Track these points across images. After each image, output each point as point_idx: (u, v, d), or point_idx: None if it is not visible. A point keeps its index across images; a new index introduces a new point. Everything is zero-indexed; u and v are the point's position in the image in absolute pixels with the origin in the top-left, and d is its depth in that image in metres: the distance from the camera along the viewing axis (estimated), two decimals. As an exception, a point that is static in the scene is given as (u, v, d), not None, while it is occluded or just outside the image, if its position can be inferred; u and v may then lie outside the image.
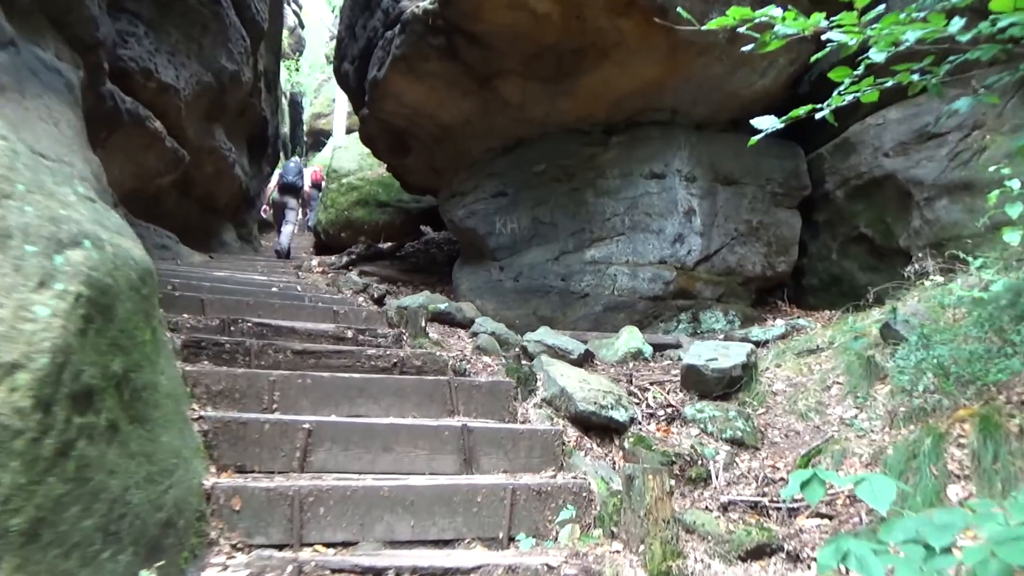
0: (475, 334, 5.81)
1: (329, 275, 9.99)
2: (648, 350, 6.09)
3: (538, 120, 7.83)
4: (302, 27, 34.83)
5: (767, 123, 3.08)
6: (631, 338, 6.13)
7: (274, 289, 6.63)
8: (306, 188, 14.84)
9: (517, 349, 5.56)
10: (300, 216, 14.81)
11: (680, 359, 5.94)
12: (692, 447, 3.49)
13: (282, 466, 2.88)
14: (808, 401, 3.80)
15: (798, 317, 7.42)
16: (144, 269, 2.37)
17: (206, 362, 3.65)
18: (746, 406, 4.07)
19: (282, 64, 32.27)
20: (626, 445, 3.61)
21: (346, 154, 15.72)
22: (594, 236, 7.52)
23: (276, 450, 2.89)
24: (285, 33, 29.78)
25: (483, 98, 7.82)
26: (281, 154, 29.66)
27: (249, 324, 4.84)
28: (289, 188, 13.49)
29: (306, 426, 2.97)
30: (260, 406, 3.27)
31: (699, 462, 3.34)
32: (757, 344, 6.42)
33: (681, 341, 6.66)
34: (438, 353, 4.58)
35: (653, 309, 7.29)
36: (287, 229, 13.58)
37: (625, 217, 7.45)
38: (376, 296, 7.21)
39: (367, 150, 11.90)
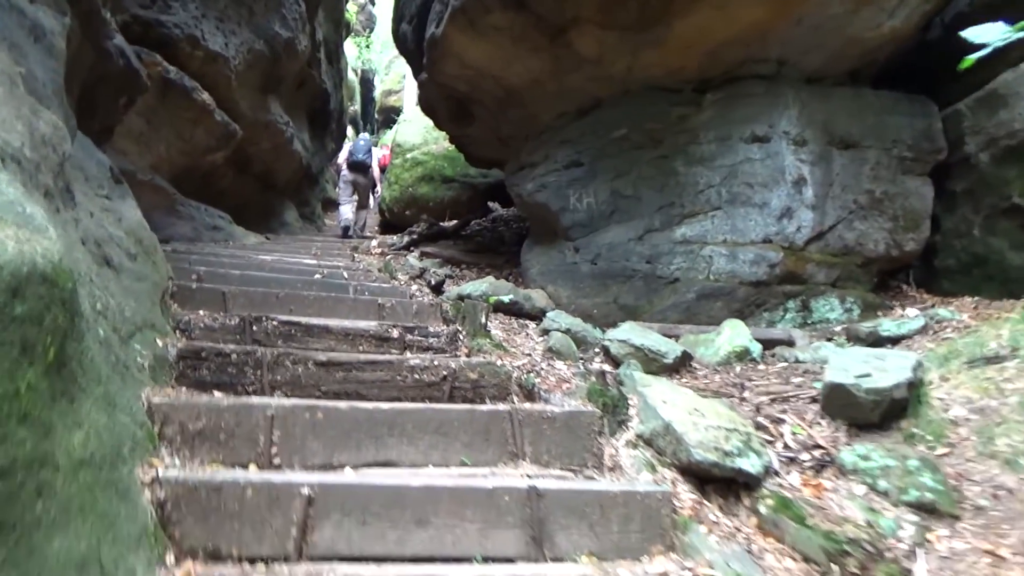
0: (546, 332, 4.85)
1: (388, 256, 9.20)
2: (756, 349, 5.02)
3: (618, 77, 6.76)
4: (372, 3, 34.27)
5: (995, 33, 1.96)
6: (735, 334, 5.07)
7: (317, 276, 5.82)
8: (374, 170, 14.18)
9: (598, 358, 4.60)
10: (369, 195, 14.49)
11: (797, 360, 4.86)
12: (867, 522, 2.44)
13: (272, 549, 2.01)
14: (1013, 440, 2.70)
15: (933, 305, 6.19)
16: (15, 275, 1.50)
17: (184, 390, 2.80)
18: (916, 441, 2.97)
19: (352, 41, 32.09)
20: (762, 510, 2.55)
21: (410, 127, 14.93)
22: (685, 211, 6.44)
23: (263, 525, 2.01)
24: (354, 9, 29.35)
25: (554, 54, 6.81)
26: (351, 130, 29.41)
27: (275, 323, 4.02)
28: (358, 166, 12.94)
29: (305, 491, 2.06)
30: (254, 450, 2.40)
31: (883, 550, 2.27)
32: (891, 341, 5.29)
33: (793, 336, 5.56)
34: (499, 362, 3.62)
35: (756, 296, 6.18)
36: (352, 208, 13.13)
37: (722, 189, 6.34)
38: (434, 283, 6.34)
39: (431, 122, 11.04)
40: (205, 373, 3.10)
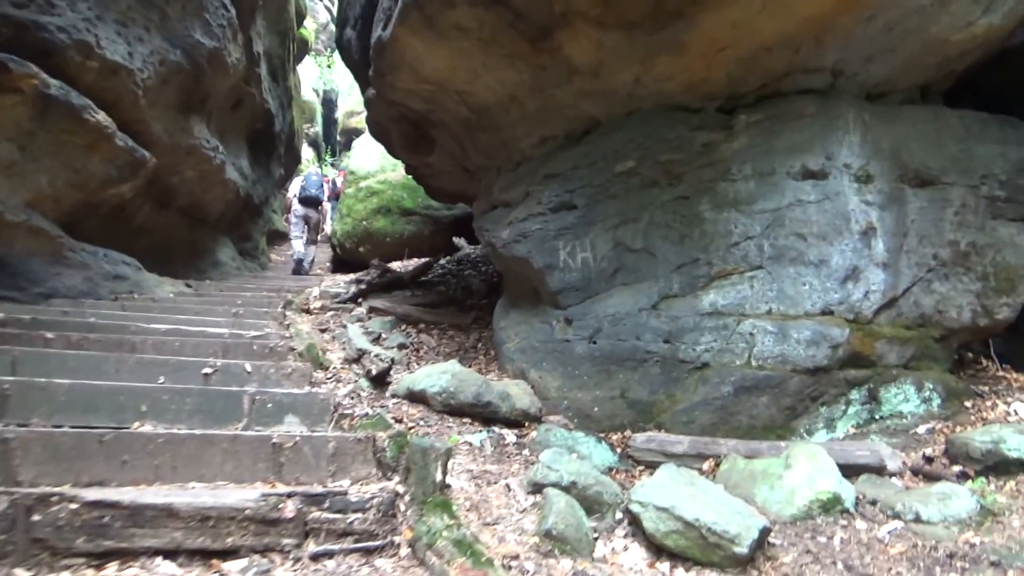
0: (538, 488, 3.06)
1: (328, 313, 7.44)
2: (849, 494, 3.36)
3: (622, 93, 5.14)
4: (334, 22, 32.69)
5: None
6: (815, 468, 3.40)
7: (207, 371, 4.05)
8: (324, 201, 13.51)
9: (623, 534, 2.88)
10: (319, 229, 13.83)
11: (917, 518, 3.20)
12: None
13: None
14: None
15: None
16: None
17: None
18: None
19: (313, 60, 30.56)
20: None
21: (365, 152, 13.28)
22: (714, 271, 4.79)
23: None
24: (314, 27, 27.71)
25: (537, 63, 5.18)
26: (311, 153, 27.74)
27: (77, 506, 2.30)
28: (310, 201, 12.74)
29: None
30: None
31: None
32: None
33: (883, 456, 3.90)
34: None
35: (812, 388, 4.54)
36: (303, 243, 12.85)
37: (764, 241, 4.71)
38: (375, 372, 4.58)
39: (387, 147, 9.39)
40: None
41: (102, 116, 7.10)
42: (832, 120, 4.81)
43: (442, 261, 10.05)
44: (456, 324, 7.11)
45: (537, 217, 5.39)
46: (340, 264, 13.42)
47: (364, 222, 12.25)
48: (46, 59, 6.40)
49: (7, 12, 6.13)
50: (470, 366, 5.63)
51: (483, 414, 4.36)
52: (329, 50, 32.82)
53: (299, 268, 12.77)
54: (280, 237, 16.29)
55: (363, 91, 7.46)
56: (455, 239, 11.49)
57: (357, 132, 28.95)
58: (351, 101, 32.21)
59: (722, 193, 4.85)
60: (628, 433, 4.52)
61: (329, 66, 32.65)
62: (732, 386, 4.51)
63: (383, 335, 6.57)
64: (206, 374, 4.06)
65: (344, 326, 6.84)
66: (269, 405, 3.61)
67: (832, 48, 4.67)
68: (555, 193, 5.36)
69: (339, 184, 15.41)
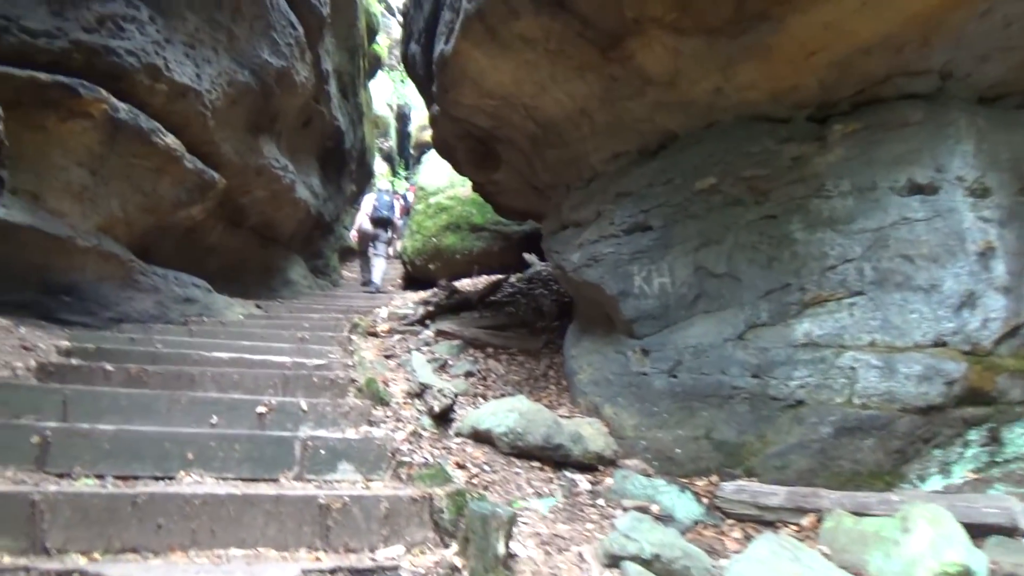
0: (615, 561, 2.70)
1: (396, 336, 7.24)
2: (980, 567, 2.88)
3: (700, 104, 4.74)
4: (406, 36, 32.97)
5: None
6: (939, 536, 2.92)
7: (260, 410, 3.85)
8: (396, 219, 13.50)
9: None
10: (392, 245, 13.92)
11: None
12: None
13: None
14: None
15: None
16: None
17: None
18: None
19: (387, 75, 30.97)
20: None
21: (434, 167, 13.08)
22: (808, 297, 4.33)
23: None
24: (387, 43, 28.01)
25: (608, 73, 4.85)
26: (387, 168, 28.04)
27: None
28: (382, 222, 12.68)
29: None
30: None
31: None
32: None
33: (1015, 514, 3.38)
34: None
35: (924, 428, 4.02)
36: (376, 264, 12.71)
37: (865, 264, 4.23)
38: (438, 409, 4.30)
39: (455, 163, 9.18)
40: None
41: (171, 139, 7.11)
42: (941, 128, 4.29)
43: (512, 279, 9.76)
44: (526, 349, 6.79)
45: (610, 239, 5.03)
46: (411, 281, 13.30)
47: (434, 239, 12.09)
48: (115, 83, 6.42)
49: (78, 37, 6.16)
50: (540, 398, 5.30)
51: (553, 457, 4.02)
52: (402, 65, 33.17)
53: (369, 287, 12.71)
54: (352, 253, 16.32)
55: (428, 107, 7.25)
56: (525, 255, 11.19)
57: (430, 145, 29.12)
58: (423, 115, 32.47)
59: (815, 211, 4.38)
60: (714, 479, 4.11)
61: (403, 81, 33.03)
62: (831, 427, 4.04)
63: (449, 361, 6.31)
64: (260, 413, 3.86)
65: (410, 351, 6.61)
66: (322, 451, 3.37)
67: (941, 48, 4.16)
68: (629, 213, 4.98)
69: (410, 199, 15.33)
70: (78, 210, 6.54)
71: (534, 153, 6.13)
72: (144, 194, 7.22)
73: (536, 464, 3.97)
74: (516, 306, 8.33)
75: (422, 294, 10.41)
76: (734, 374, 4.32)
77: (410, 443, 3.65)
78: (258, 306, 9.07)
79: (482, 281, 10.61)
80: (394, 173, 28.60)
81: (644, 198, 4.93)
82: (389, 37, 28.25)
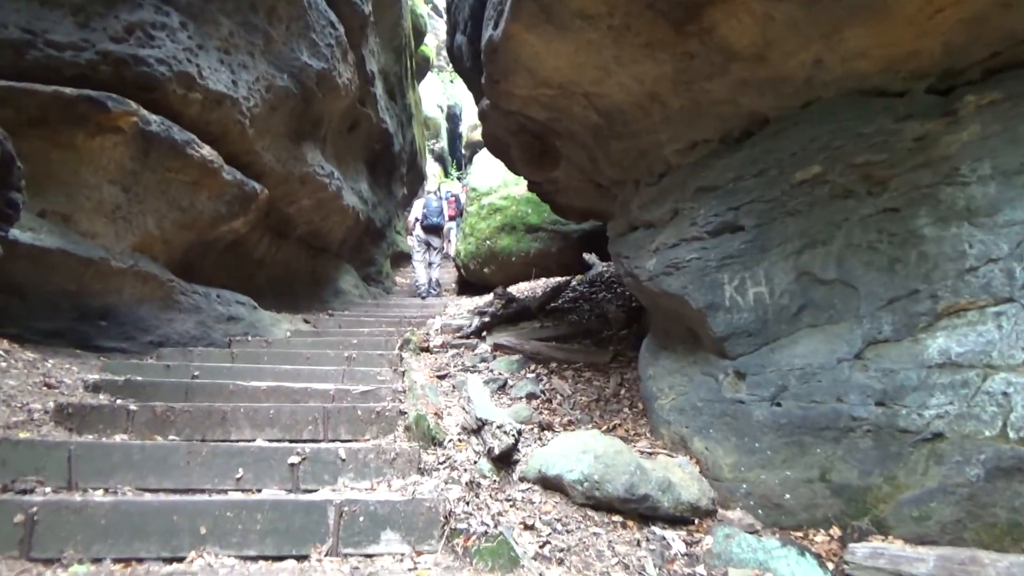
0: None
1: (449, 352, 6.66)
2: None
3: (796, 79, 4.00)
4: (454, 35, 32.68)
5: None
6: None
7: (293, 460, 3.30)
8: (446, 223, 13.35)
9: None
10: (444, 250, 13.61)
11: None
12: None
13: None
14: None
15: None
16: None
17: None
18: None
19: (436, 76, 30.71)
20: None
21: (486, 167, 12.50)
22: (941, 306, 3.56)
23: None
24: (436, 44, 27.65)
25: (683, 50, 4.16)
26: (439, 168, 27.71)
27: None
28: (433, 229, 12.60)
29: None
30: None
31: None
32: None
33: None
34: None
35: (1099, 468, 3.23)
36: (426, 269, 12.71)
37: (1015, 264, 3.43)
38: (498, 451, 3.68)
39: (507, 160, 8.59)
40: None
41: (207, 150, 6.70)
42: (1104, 93, 3.48)
43: (572, 283, 9.09)
44: (593, 363, 6.13)
45: (692, 243, 4.32)
46: (465, 285, 12.81)
47: (488, 241, 11.51)
48: (146, 94, 6.04)
49: (106, 48, 5.78)
50: (613, 427, 4.65)
51: (638, 511, 3.35)
52: (451, 65, 32.89)
53: (421, 294, 12.57)
54: (405, 258, 15.93)
55: (477, 102, 6.65)
56: (584, 255, 10.52)
57: (481, 145, 28.73)
58: (473, 114, 32.18)
59: (948, 201, 3.60)
60: (835, 532, 3.39)
61: (452, 81, 32.86)
62: (982, 467, 3.27)
63: (509, 381, 5.71)
64: (292, 464, 3.31)
65: (465, 369, 6.04)
66: (361, 518, 2.79)
67: (1105, -8, 3.35)
68: (713, 211, 4.27)
69: (463, 200, 14.85)
70: (112, 230, 6.16)
71: (597, 146, 5.46)
72: (181, 210, 6.82)
73: (617, 519, 3.32)
74: (579, 313, 7.66)
75: (477, 301, 9.86)
76: (853, 401, 3.58)
77: (467, 502, 3.04)
78: (306, 320, 8.64)
79: (540, 284, 9.99)
80: (446, 174, 28.34)
81: (732, 193, 4.20)
82: (437, 38, 27.89)
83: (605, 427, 4.69)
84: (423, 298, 12.41)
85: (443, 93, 32.64)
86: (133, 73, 5.93)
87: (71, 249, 5.67)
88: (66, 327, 5.85)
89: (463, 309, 9.08)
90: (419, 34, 16.93)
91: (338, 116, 9.78)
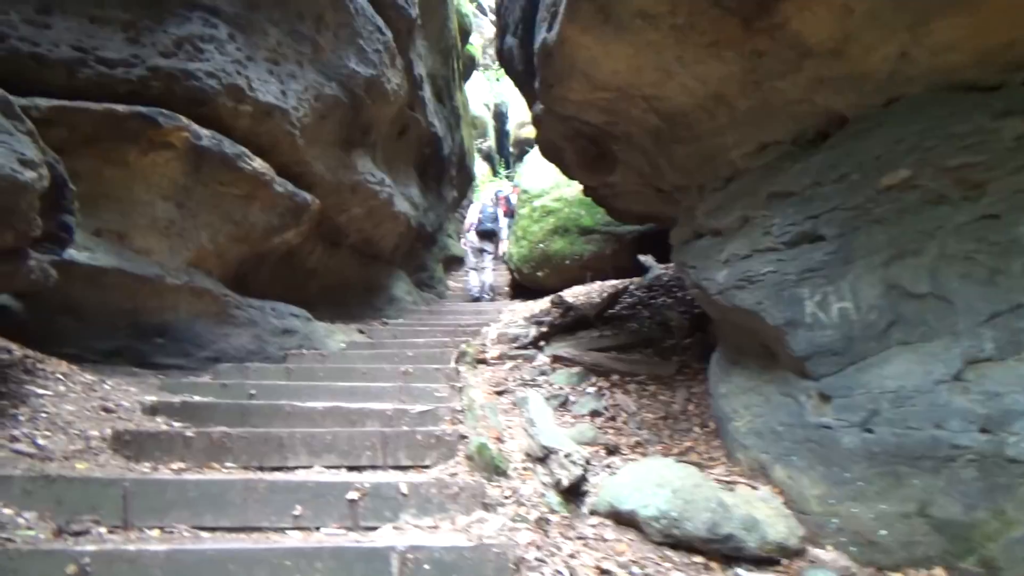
0: None
1: (507, 364, 6.49)
2: None
3: (878, 75, 3.69)
4: (500, 35, 32.47)
5: None
6: None
7: (351, 495, 3.16)
8: (502, 230, 13.49)
9: None
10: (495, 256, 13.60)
11: None
12: None
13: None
14: None
15: None
16: None
17: None
18: None
19: (482, 75, 30.57)
20: None
21: (537, 168, 12.28)
22: (1051, 322, 3.23)
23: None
24: (481, 43, 27.54)
25: (752, 48, 3.90)
26: (487, 168, 27.59)
27: None
28: (487, 234, 12.98)
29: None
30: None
31: None
32: None
33: None
34: None
35: None
36: (479, 275, 13.02)
37: None
38: (567, 483, 3.48)
39: (560, 163, 8.36)
40: None
41: (258, 163, 6.66)
42: None
43: (630, 287, 8.83)
44: (656, 375, 5.88)
45: (767, 254, 4.04)
46: (519, 289, 12.66)
47: (541, 244, 11.32)
48: (197, 108, 6.02)
49: (156, 64, 5.76)
50: (684, 449, 4.40)
51: (721, 551, 3.11)
52: (497, 63, 32.66)
53: (476, 299, 12.71)
54: (457, 262, 15.84)
55: (529, 106, 6.46)
56: (641, 257, 10.23)
57: (529, 142, 28.49)
58: (520, 112, 31.94)
59: (1056, 206, 3.27)
60: (939, 573, 3.09)
61: (498, 79, 32.64)
62: (1105, 504, 2.95)
63: (570, 397, 5.50)
64: (352, 500, 3.17)
65: (524, 383, 5.86)
66: (426, 566, 2.61)
67: None
68: (790, 220, 3.98)
69: (513, 201, 14.70)
70: (166, 246, 6.16)
71: (657, 151, 5.21)
72: (235, 223, 6.80)
73: (699, 560, 3.08)
74: (638, 320, 7.40)
75: (532, 306, 9.66)
76: (953, 428, 3.27)
77: (538, 546, 2.84)
78: (360, 331, 8.58)
79: (595, 288, 9.73)
80: (494, 173, 28.15)
81: (809, 200, 3.91)
82: (482, 36, 27.76)
83: (676, 450, 4.44)
84: (476, 299, 12.65)
85: (489, 91, 32.43)
86: (183, 88, 5.90)
87: (127, 267, 5.67)
88: (123, 345, 5.87)
89: (518, 316, 8.89)
90: (465, 34, 16.81)
91: (387, 122, 9.68)
